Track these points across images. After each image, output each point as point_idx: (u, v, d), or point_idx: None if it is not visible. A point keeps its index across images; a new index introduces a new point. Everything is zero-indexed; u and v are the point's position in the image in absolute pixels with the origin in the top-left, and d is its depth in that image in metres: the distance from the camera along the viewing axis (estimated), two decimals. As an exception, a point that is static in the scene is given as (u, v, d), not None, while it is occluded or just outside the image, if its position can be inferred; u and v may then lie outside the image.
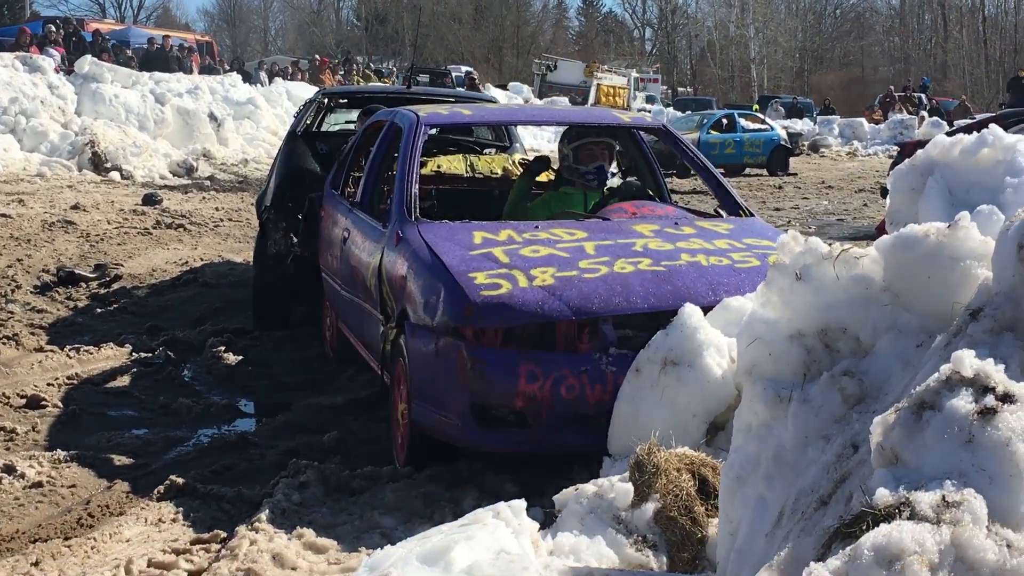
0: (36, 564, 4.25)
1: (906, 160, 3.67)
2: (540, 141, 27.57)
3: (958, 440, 2.27)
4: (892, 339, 2.94)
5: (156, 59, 25.15)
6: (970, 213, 3.06)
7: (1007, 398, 2.31)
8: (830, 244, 3.12)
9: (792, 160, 27.65)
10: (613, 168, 6.46)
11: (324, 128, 9.64)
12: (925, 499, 2.18)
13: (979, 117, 25.77)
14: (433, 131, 7.39)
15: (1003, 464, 2.23)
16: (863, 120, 37.54)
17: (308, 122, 9.24)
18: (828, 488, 2.67)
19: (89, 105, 19.30)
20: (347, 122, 9.91)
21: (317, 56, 31.85)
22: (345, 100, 10.12)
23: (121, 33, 35.31)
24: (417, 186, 5.99)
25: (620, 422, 4.52)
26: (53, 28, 24.30)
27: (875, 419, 2.42)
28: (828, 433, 2.89)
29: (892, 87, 44.82)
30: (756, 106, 41.71)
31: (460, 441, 4.96)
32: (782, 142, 27.03)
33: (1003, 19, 68.66)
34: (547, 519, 4.01)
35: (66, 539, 4.54)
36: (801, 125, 36.81)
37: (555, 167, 6.91)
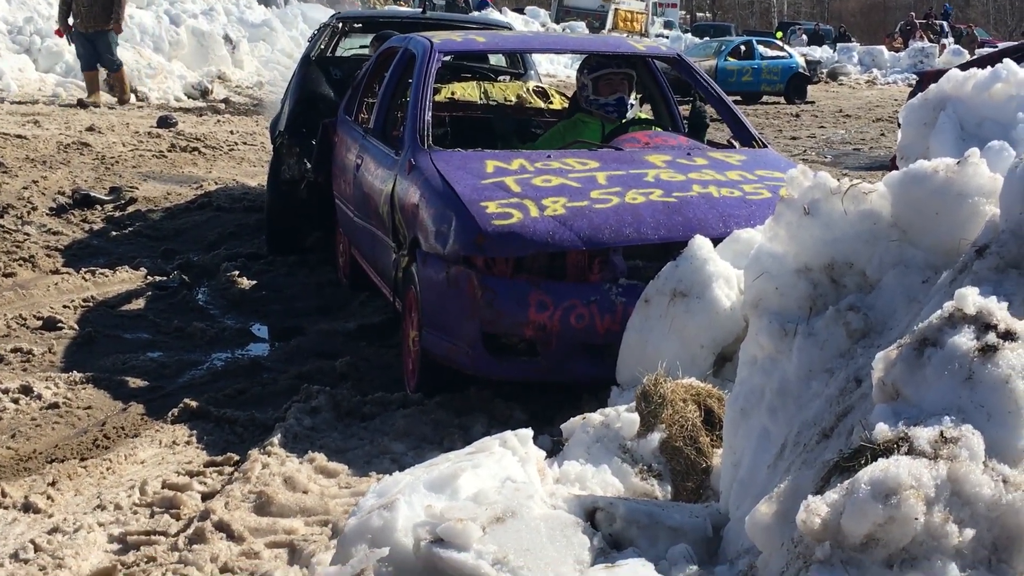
0: (53, 484, 4.32)
1: (918, 95, 3.65)
2: (556, 67, 27.37)
3: (958, 377, 2.30)
4: (898, 274, 2.95)
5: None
6: (981, 149, 3.06)
7: (1008, 335, 2.33)
8: (842, 177, 3.12)
9: (810, 88, 27.43)
10: (633, 99, 6.42)
11: (338, 53, 9.58)
12: (923, 434, 2.21)
13: (1001, 46, 25.46)
14: (447, 58, 7.35)
15: (1002, 401, 2.26)
16: (883, 48, 37.16)
17: (322, 47, 9.18)
18: (830, 421, 2.70)
19: (104, 25, 19.16)
20: (361, 47, 9.84)
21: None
22: (359, 25, 10.04)
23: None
24: (430, 114, 5.98)
25: (628, 352, 4.56)
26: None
27: (877, 355, 2.44)
28: (832, 367, 2.92)
29: (913, 14, 44.26)
30: (779, 33, 41.21)
31: (470, 369, 5.00)
32: (800, 70, 26.81)
33: (1029, -55, 67.57)
34: (554, 447, 4.06)
35: (82, 460, 4.62)
36: (820, 52, 36.44)
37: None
